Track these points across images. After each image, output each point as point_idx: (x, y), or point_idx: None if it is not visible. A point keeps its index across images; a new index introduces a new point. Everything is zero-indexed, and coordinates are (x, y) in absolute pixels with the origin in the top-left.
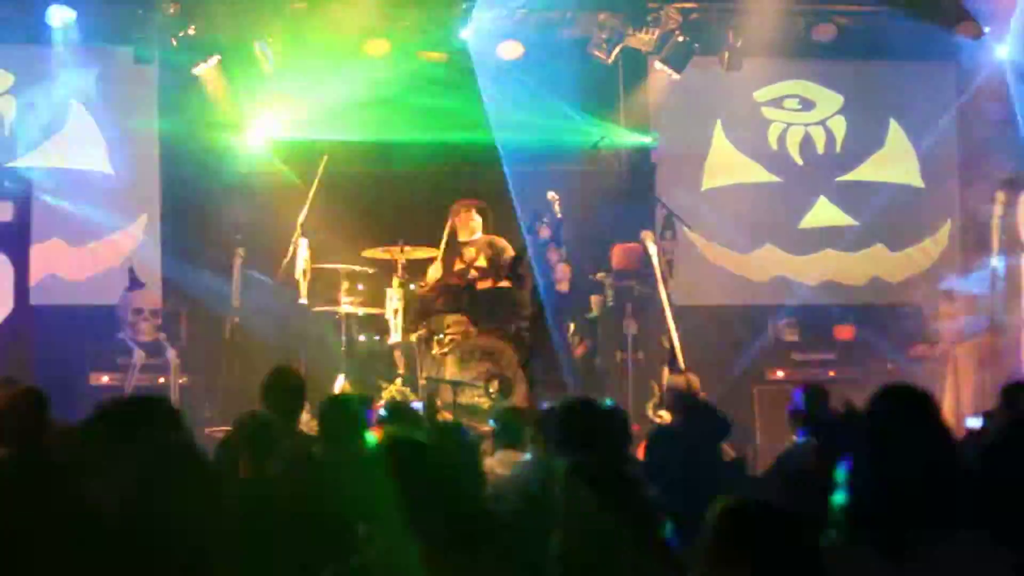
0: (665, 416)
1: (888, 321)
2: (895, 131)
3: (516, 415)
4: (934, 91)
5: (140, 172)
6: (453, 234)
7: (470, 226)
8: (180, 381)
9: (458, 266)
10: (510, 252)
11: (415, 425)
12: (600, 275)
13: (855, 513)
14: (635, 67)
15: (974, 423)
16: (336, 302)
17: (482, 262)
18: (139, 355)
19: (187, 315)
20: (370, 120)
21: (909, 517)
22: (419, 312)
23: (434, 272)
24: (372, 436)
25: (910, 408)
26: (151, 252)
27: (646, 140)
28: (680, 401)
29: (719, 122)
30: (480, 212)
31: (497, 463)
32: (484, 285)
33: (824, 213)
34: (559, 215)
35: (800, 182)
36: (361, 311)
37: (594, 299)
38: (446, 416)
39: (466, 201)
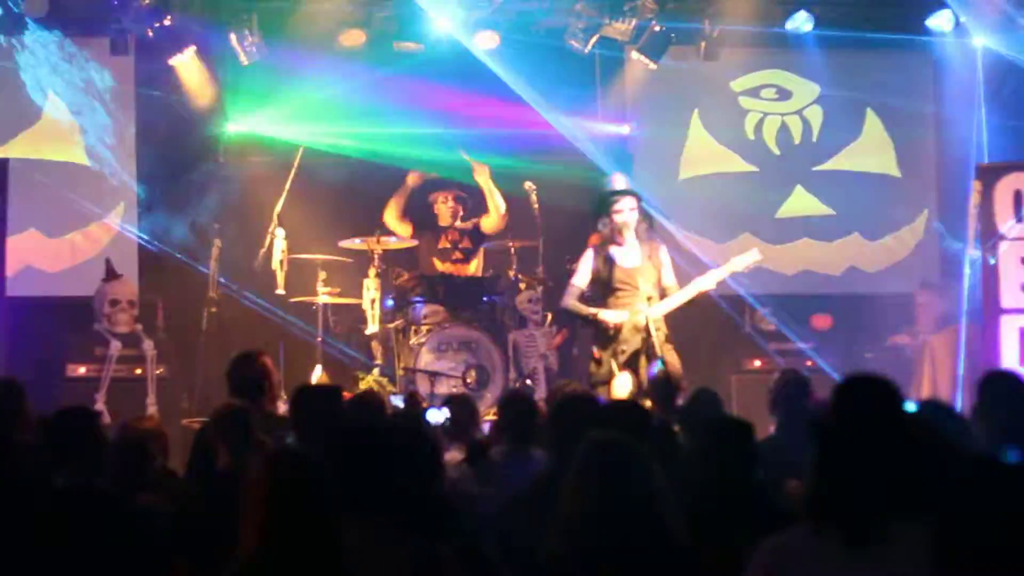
0: (645, 404)
1: (865, 310)
2: (872, 121)
3: (471, 405)
4: (911, 81)
5: (116, 163)
6: (434, 218)
7: (451, 214)
8: (157, 372)
9: (442, 245)
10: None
11: (379, 415)
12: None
13: (819, 502)
14: (612, 57)
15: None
16: (313, 292)
17: (468, 244)
18: (116, 346)
19: (164, 306)
20: (346, 111)
21: (873, 505)
22: (396, 302)
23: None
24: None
25: (874, 397)
26: (128, 243)
27: (623, 130)
28: (662, 389)
29: (696, 112)
30: (459, 201)
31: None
32: (466, 269)
33: (801, 202)
34: (536, 205)
35: (777, 172)
36: (338, 301)
37: None
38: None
39: (445, 190)
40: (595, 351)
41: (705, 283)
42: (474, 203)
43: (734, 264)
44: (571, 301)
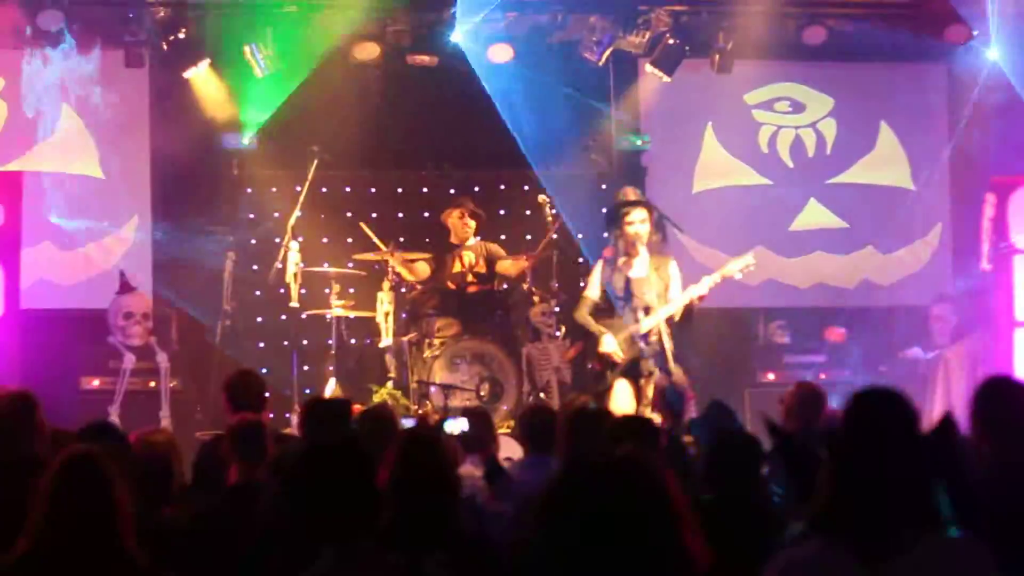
0: (656, 418)
1: (879, 323)
2: (886, 133)
3: (488, 418)
4: (925, 93)
5: (131, 176)
6: (446, 234)
7: (465, 230)
8: (171, 385)
9: (456, 268)
10: (502, 255)
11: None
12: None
13: (831, 516)
14: (626, 70)
15: None
16: (327, 305)
17: (481, 268)
18: (130, 359)
19: (178, 319)
20: (360, 124)
21: (886, 520)
22: (410, 315)
23: (423, 269)
24: None
25: (887, 411)
26: (142, 256)
27: (637, 143)
28: (665, 401)
29: (710, 124)
30: (473, 216)
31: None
32: (476, 289)
33: (815, 215)
34: (550, 218)
35: (791, 184)
36: (352, 314)
37: None
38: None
39: (459, 207)
40: (596, 363)
41: (697, 289)
42: (487, 219)
43: (728, 269)
44: (582, 313)
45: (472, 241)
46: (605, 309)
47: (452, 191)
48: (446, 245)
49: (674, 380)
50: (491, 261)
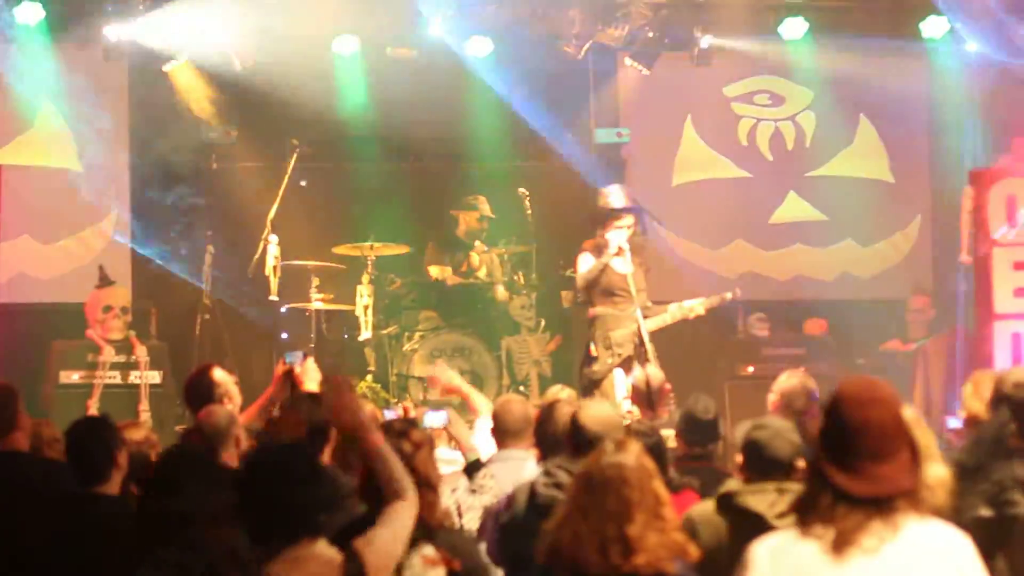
0: (635, 412)
1: (858, 316)
2: (865, 126)
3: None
4: (904, 86)
5: (110, 169)
6: (428, 227)
7: (480, 232)
8: (150, 379)
9: (462, 267)
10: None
11: None
12: (571, 271)
13: (806, 504)
14: (605, 63)
15: (955, 424)
16: (307, 299)
17: (483, 274)
18: (109, 353)
19: (157, 312)
20: (340, 117)
21: (854, 508)
22: (390, 308)
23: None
24: None
25: (870, 402)
26: (121, 249)
27: (616, 136)
28: (646, 396)
29: (689, 118)
30: (488, 221)
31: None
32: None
33: (794, 208)
34: (529, 211)
35: (770, 177)
36: (332, 307)
37: (564, 294)
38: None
39: (477, 209)
40: (591, 349)
41: (695, 308)
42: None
43: (725, 296)
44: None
45: (478, 243)
46: (586, 300)
47: (431, 184)
48: (430, 236)
49: (651, 374)
50: (493, 269)
